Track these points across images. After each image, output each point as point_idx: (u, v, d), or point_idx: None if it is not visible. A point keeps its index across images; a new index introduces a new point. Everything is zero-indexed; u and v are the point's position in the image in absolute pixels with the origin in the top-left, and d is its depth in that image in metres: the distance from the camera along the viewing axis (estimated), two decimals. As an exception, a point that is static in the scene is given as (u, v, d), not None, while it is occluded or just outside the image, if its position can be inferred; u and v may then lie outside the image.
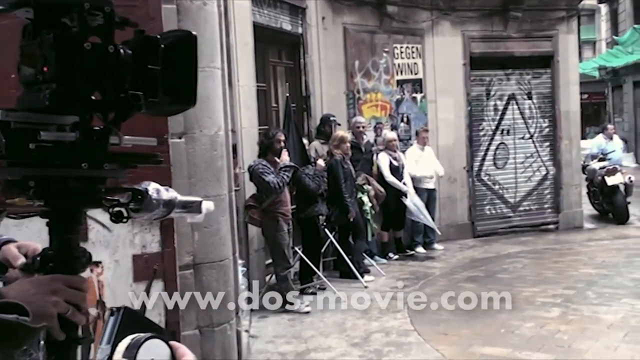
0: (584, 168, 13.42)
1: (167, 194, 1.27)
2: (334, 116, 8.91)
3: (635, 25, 18.34)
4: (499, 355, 5.36)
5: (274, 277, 7.23)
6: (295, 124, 7.88)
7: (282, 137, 6.86)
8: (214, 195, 4.62)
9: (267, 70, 8.55)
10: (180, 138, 4.47)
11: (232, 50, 6.83)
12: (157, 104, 1.18)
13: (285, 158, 6.80)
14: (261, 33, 7.88)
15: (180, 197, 1.29)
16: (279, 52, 9.02)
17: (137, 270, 4.13)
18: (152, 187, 1.25)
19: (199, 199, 1.34)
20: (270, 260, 7.33)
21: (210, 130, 4.63)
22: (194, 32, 1.24)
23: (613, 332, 5.77)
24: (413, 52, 10.73)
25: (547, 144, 11.93)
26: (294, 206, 7.55)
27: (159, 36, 1.20)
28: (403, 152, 10.04)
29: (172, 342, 1.08)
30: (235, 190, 5.95)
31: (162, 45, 1.19)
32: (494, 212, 11.65)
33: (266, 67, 8.53)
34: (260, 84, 8.03)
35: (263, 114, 8.13)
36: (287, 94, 8.15)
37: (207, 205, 1.35)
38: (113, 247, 4.06)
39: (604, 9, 31.73)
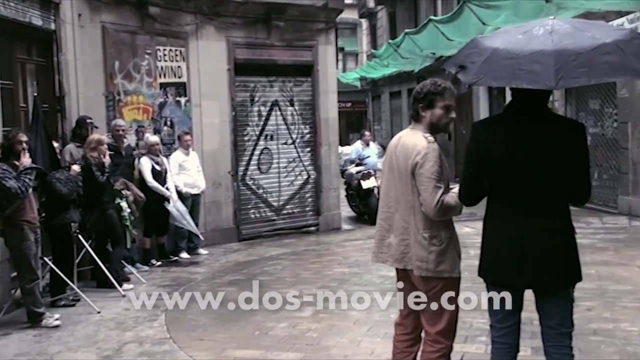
0: (342, 172, 14.23)
1: None
2: (90, 118, 8.51)
3: (390, 41, 19.78)
4: (251, 357, 5.42)
5: (19, 290, 6.69)
6: (44, 126, 7.37)
7: (24, 138, 6.34)
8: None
9: (13, 67, 7.91)
10: None
11: (-32, 44, 6.24)
12: None
13: (25, 160, 6.30)
14: (6, 27, 7.28)
15: None
16: (29, 48, 8.40)
17: None
18: None
19: None
20: (16, 273, 6.77)
21: None
22: None
23: (358, 327, 6.11)
24: (177, 55, 10.60)
25: (308, 149, 12.45)
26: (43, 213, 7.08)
27: None
28: (167, 156, 9.89)
29: None
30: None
31: None
32: (258, 215, 11.90)
33: (13, 63, 7.88)
34: (5, 82, 7.41)
35: (9, 115, 7.49)
36: (36, 93, 7.61)
37: None
38: None
39: (364, 23, 33.93)
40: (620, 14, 11.07)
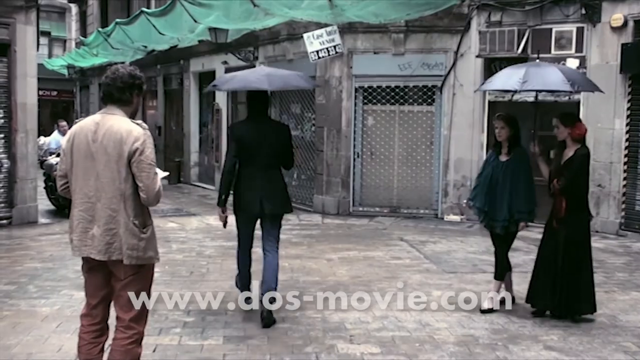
0: (42, 163, 13.33)
1: None
2: None
3: (100, 29, 19.01)
4: None
5: None
6: None
7: None
8: None
9: None
10: None
11: None
12: None
13: None
14: None
15: None
16: None
17: None
18: None
19: None
20: None
21: None
22: None
23: (46, 323, 5.76)
24: None
25: (2, 136, 11.45)
26: None
27: None
28: None
29: None
30: None
31: None
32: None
33: None
34: None
35: None
36: None
37: None
38: None
39: (74, 8, 32.18)
40: (320, 25, 11.91)
